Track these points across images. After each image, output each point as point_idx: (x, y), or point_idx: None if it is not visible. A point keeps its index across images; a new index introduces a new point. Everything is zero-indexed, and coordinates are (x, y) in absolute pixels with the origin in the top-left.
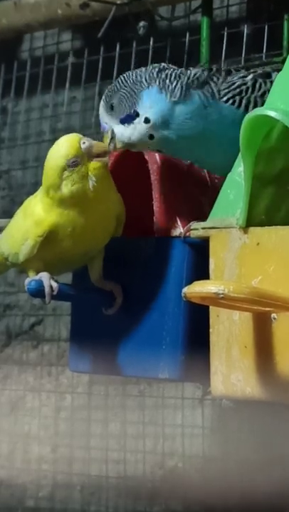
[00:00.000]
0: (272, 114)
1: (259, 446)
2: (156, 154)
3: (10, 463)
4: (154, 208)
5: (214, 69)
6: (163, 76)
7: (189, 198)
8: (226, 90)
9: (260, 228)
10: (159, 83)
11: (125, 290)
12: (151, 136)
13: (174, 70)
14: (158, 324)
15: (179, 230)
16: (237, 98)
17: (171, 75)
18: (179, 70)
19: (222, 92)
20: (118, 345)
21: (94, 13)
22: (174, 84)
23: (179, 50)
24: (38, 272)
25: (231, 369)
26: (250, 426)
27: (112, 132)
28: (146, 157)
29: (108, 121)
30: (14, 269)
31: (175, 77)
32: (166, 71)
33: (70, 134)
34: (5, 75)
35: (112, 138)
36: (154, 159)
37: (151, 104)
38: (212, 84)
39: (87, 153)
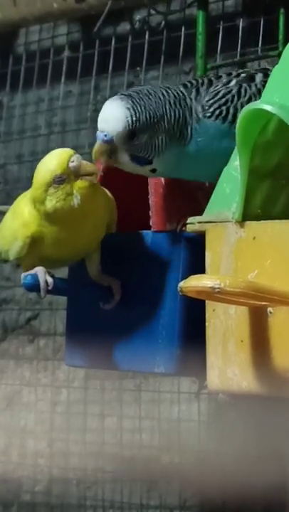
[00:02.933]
0: (268, 108)
1: (255, 440)
2: None
3: (6, 457)
4: (150, 202)
5: (194, 82)
6: (177, 114)
7: (185, 192)
8: (212, 101)
9: (256, 222)
10: (175, 130)
11: (121, 285)
12: (153, 171)
13: (182, 97)
14: (154, 319)
15: (174, 224)
16: (224, 108)
17: (179, 112)
18: (183, 93)
19: (207, 105)
20: (114, 340)
21: (90, 7)
22: (182, 128)
23: (175, 44)
24: (33, 267)
25: (227, 363)
26: (247, 420)
27: (117, 154)
28: None
29: (115, 140)
30: (10, 263)
31: (183, 115)
32: (179, 104)
33: (62, 150)
34: (0, 69)
35: (109, 154)
36: None
37: (165, 160)
38: (198, 109)
39: (74, 172)
